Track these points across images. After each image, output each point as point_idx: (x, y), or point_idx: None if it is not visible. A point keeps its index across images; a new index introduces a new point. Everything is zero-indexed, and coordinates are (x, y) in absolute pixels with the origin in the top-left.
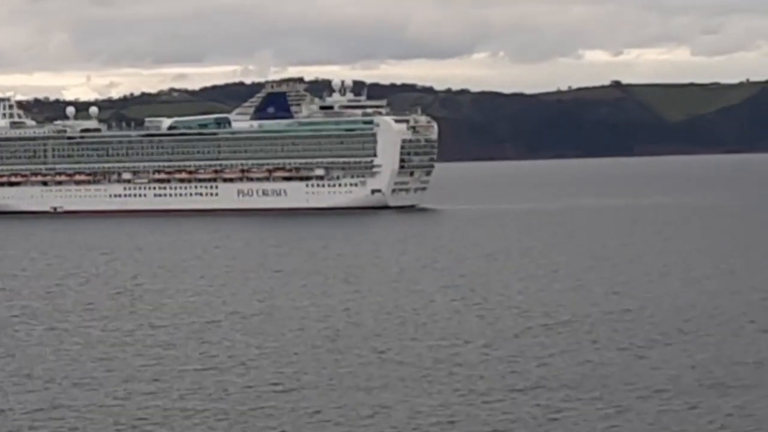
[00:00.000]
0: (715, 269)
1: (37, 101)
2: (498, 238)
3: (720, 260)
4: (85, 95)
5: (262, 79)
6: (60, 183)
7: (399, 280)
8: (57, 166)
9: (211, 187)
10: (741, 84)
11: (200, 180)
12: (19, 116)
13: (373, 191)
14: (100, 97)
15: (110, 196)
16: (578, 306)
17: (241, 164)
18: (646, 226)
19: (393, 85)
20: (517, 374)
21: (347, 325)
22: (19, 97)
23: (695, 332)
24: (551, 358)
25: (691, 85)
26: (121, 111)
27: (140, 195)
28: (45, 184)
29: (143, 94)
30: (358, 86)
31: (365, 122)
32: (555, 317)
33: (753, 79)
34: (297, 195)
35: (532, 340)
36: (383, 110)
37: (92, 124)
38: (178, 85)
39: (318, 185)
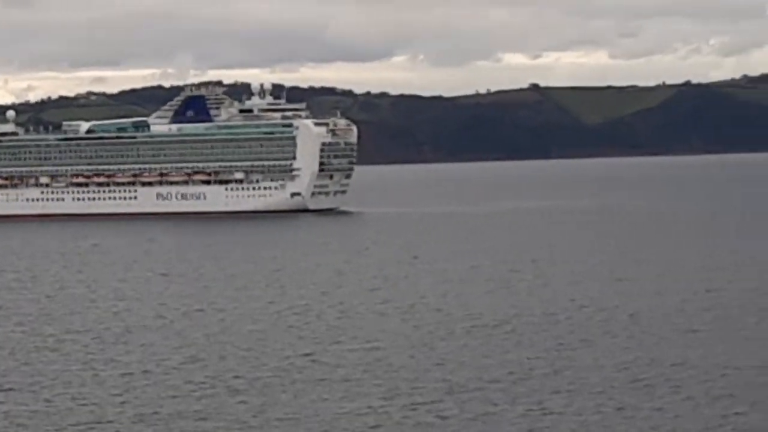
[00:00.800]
0: (637, 271)
1: None
2: (420, 241)
3: (641, 262)
4: (2, 99)
5: (181, 83)
6: None
7: (322, 284)
8: None
9: (130, 191)
10: (658, 87)
11: (119, 184)
12: None
13: (293, 194)
14: (17, 101)
15: (28, 200)
16: (502, 308)
17: (160, 168)
18: (567, 228)
19: (312, 89)
20: (442, 377)
21: (271, 329)
22: None
23: (619, 333)
24: (476, 361)
25: (609, 88)
26: (39, 115)
27: (58, 199)
28: None
29: (61, 98)
30: (277, 89)
31: (285, 125)
32: (479, 320)
33: (670, 81)
34: (216, 199)
35: (456, 342)
36: (303, 113)
37: (9, 127)
38: (96, 89)
39: (237, 189)
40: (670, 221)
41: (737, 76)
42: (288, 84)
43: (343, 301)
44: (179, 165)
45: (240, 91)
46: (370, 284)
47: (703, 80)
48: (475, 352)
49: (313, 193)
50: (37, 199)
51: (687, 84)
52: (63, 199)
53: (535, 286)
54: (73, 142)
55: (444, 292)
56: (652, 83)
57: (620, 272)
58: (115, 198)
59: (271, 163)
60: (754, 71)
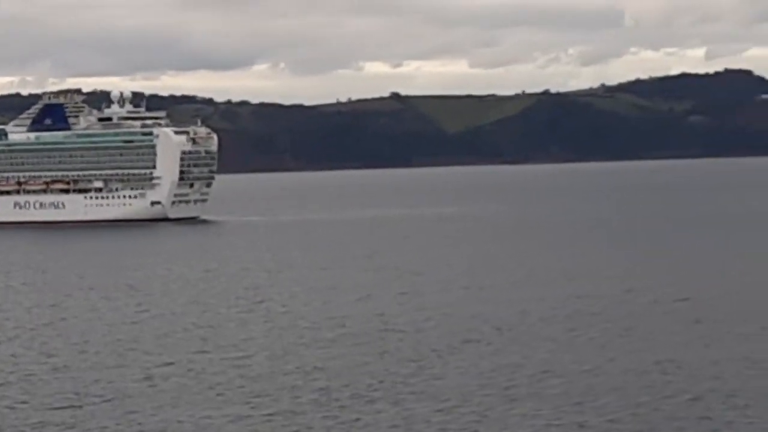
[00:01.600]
0: (502, 278)
1: None
2: (282, 249)
3: (506, 269)
4: None
5: (39, 91)
6: None
7: (186, 293)
8: None
9: None
10: (517, 96)
11: None
12: None
13: (153, 203)
14: None
15: None
16: (365, 317)
17: (18, 176)
18: (428, 236)
19: (173, 97)
20: (305, 386)
21: (134, 338)
22: None
23: (483, 340)
24: (340, 370)
25: (469, 96)
26: None
27: None
28: None
29: None
30: (137, 98)
31: (144, 134)
32: (343, 329)
33: (529, 90)
34: (76, 207)
35: (320, 351)
36: (163, 122)
37: None
38: None
39: (97, 197)
40: (531, 229)
41: (595, 85)
42: (148, 92)
43: (208, 310)
44: (37, 174)
45: (99, 99)
46: (233, 293)
47: (562, 89)
48: (340, 362)
49: (173, 202)
50: None
51: (546, 93)
52: None
53: (401, 293)
54: None
55: (309, 300)
56: (511, 92)
57: (485, 280)
58: None
59: (131, 171)
60: (612, 81)
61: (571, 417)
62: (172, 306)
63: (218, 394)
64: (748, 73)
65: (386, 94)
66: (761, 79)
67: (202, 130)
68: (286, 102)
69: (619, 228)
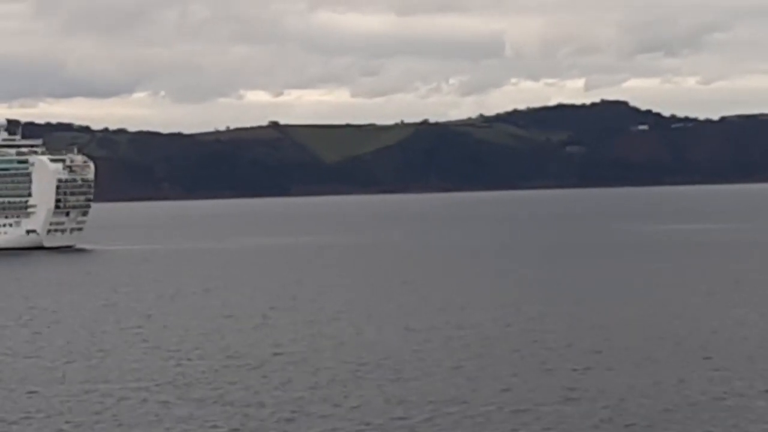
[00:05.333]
0: (393, 307)
1: None
2: (168, 278)
3: (395, 297)
4: None
5: None
6: None
7: (70, 322)
8: None
9: None
10: (396, 125)
11: None
12: None
13: (28, 232)
14: None
15: None
16: (263, 346)
17: None
18: (317, 264)
19: (49, 124)
20: (203, 415)
21: (26, 369)
22: None
23: (376, 370)
24: (238, 398)
25: (348, 126)
26: None
27: None
28: None
29: None
30: (12, 125)
31: (20, 162)
32: (239, 359)
33: (408, 120)
34: None
35: (220, 380)
36: (39, 150)
37: None
38: None
39: None
40: (412, 258)
41: (474, 115)
42: (25, 119)
43: (101, 340)
44: None
45: None
46: (124, 322)
47: (442, 119)
48: (237, 390)
49: (48, 231)
50: None
51: (425, 123)
52: None
53: (297, 322)
54: None
55: (206, 330)
56: (391, 122)
57: (377, 308)
58: None
59: (6, 199)
60: (491, 111)
61: None
62: (64, 335)
63: (119, 426)
64: (624, 104)
65: (266, 122)
66: (637, 110)
67: (79, 158)
68: (166, 130)
69: (494, 257)
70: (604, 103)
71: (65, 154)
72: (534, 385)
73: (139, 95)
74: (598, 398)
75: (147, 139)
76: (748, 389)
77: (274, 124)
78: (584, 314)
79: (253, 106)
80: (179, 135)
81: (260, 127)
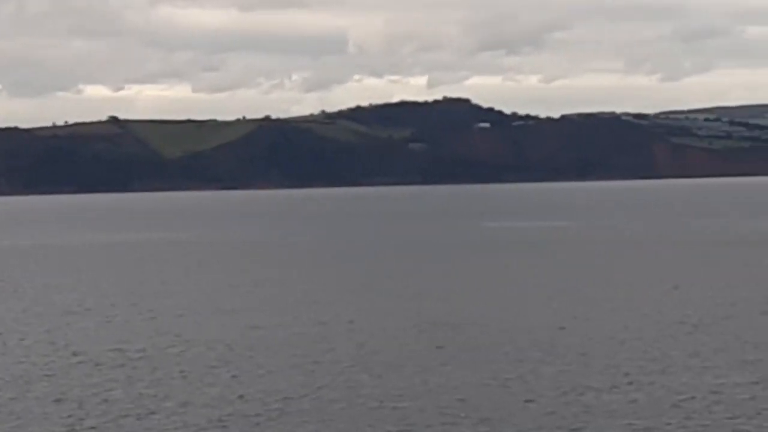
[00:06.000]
0: (240, 302)
1: None
2: (7, 274)
3: (243, 293)
4: None
5: None
6: None
7: None
8: None
9: None
10: (238, 121)
11: None
12: None
13: None
14: None
15: None
16: (108, 343)
17: None
18: (160, 261)
19: None
20: (64, 412)
21: None
22: None
23: (224, 366)
24: (82, 398)
25: (189, 121)
26: None
27: None
28: None
29: None
30: None
31: None
32: (84, 355)
33: (250, 116)
34: None
35: (62, 379)
36: None
37: None
38: None
39: None
40: (262, 254)
41: (316, 111)
42: None
43: None
44: None
45: None
46: None
47: (284, 115)
48: (77, 388)
49: None
50: None
51: (267, 119)
52: None
53: (140, 320)
54: None
55: (49, 327)
56: (233, 117)
57: (223, 304)
58: None
59: None
60: (333, 107)
61: None
62: None
63: None
64: (466, 102)
65: (105, 117)
66: (479, 108)
67: None
68: (2, 125)
69: (339, 254)
70: (447, 101)
71: None
72: (379, 381)
73: None
74: (441, 393)
75: None
76: (591, 384)
77: (114, 119)
78: (428, 310)
79: (93, 100)
80: (16, 130)
81: (100, 122)
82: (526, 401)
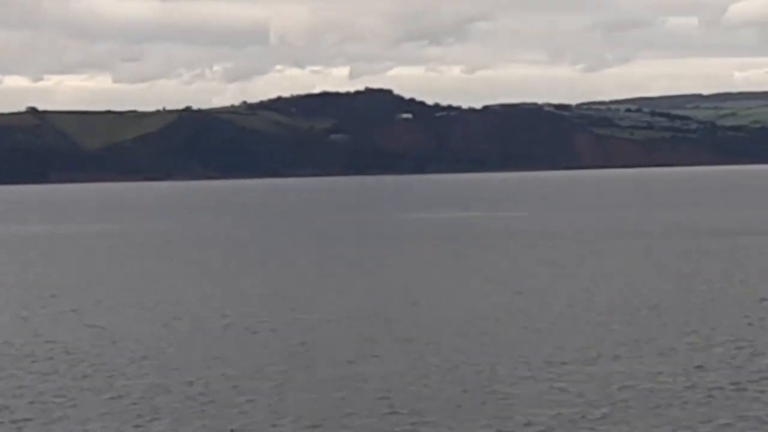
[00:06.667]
0: (154, 295)
1: None
2: None
3: (160, 287)
4: None
5: None
6: None
7: None
8: None
9: None
10: (158, 112)
11: None
12: None
13: None
14: None
15: None
16: (21, 336)
17: None
18: (76, 252)
19: None
20: None
21: None
22: None
23: (153, 358)
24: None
25: (109, 112)
26: None
27: None
28: None
29: None
30: None
31: None
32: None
33: (170, 107)
34: None
35: None
36: None
37: None
38: None
39: None
40: (183, 246)
41: (237, 102)
42: None
43: None
44: None
45: None
46: None
47: (205, 106)
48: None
49: None
50: None
51: (187, 110)
52: None
53: (59, 313)
54: None
55: None
56: (153, 108)
57: (144, 298)
58: None
59: None
60: (255, 98)
61: None
62: None
63: None
64: (389, 93)
65: (24, 108)
66: (401, 98)
67: None
68: None
69: (259, 246)
70: (369, 92)
71: None
72: (308, 373)
73: None
74: (370, 384)
75: None
76: (520, 374)
77: (33, 110)
78: (354, 301)
79: (11, 91)
80: None
81: (18, 113)
82: (455, 392)
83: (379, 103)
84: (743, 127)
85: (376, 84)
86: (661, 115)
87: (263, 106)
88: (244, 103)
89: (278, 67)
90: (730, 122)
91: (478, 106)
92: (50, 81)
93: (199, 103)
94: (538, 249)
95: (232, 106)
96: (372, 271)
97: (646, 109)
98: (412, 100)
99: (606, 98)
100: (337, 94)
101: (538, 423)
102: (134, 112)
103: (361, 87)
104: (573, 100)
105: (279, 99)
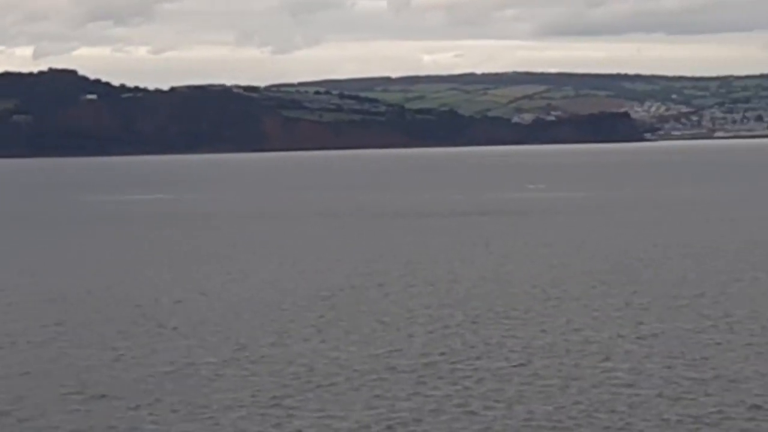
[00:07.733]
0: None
1: None
2: None
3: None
4: None
5: None
6: None
7: None
8: None
9: None
10: None
11: None
12: None
13: None
14: None
15: None
16: None
17: None
18: None
19: None
20: None
21: None
22: None
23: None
24: None
25: None
26: None
27: None
28: None
29: None
30: None
31: None
32: None
33: None
34: None
35: None
36: None
37: None
38: None
39: None
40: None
41: None
42: None
43: None
44: None
45: None
46: None
47: None
48: None
49: None
50: None
51: None
52: None
53: None
54: None
55: None
56: None
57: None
58: None
59: None
60: None
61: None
62: None
63: None
64: (73, 73)
65: None
66: (86, 79)
67: None
68: None
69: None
70: (53, 72)
71: None
72: None
73: None
74: (56, 370)
75: None
76: (210, 359)
77: None
78: (38, 285)
79: None
80: None
81: None
82: (141, 376)
83: (63, 84)
84: (431, 110)
85: (60, 64)
86: (350, 97)
87: None
88: None
89: None
90: (418, 105)
91: (165, 87)
92: None
93: None
94: (227, 231)
95: None
96: (51, 255)
97: (335, 92)
98: (97, 81)
99: (295, 80)
100: (19, 75)
101: None
102: None
103: (44, 68)
104: (262, 82)
105: None
